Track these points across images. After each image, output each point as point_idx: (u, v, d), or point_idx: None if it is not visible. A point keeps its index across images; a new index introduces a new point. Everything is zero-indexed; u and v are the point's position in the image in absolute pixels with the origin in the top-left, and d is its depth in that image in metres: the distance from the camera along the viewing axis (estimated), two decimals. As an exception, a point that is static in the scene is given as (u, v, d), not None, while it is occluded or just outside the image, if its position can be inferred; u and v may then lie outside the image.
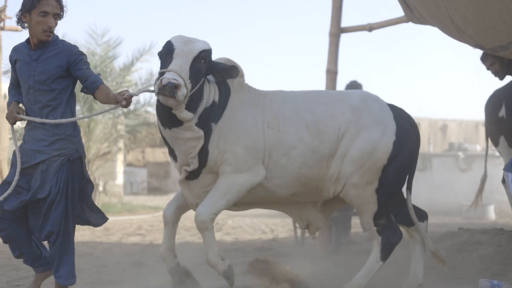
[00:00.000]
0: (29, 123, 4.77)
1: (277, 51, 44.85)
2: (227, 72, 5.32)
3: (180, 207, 5.78)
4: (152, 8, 44.13)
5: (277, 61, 43.89)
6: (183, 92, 4.88)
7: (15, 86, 4.96)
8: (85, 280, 6.19)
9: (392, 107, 5.73)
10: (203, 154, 5.29)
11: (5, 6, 9.05)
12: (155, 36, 51.65)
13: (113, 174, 22.38)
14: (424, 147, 22.12)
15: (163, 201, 20.32)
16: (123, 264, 7.45)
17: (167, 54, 5.10)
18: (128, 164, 28.92)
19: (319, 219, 5.85)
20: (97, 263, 7.59)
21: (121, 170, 23.18)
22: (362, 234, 9.80)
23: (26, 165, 4.72)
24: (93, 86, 4.72)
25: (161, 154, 28.44)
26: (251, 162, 5.34)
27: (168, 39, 5.18)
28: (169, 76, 4.86)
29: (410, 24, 7.69)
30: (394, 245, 5.60)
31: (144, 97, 17.83)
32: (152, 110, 17.85)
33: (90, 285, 6.01)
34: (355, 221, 10.14)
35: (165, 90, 4.80)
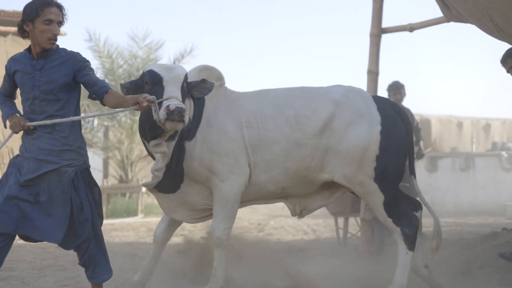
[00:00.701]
0: (33, 132, 4.65)
1: (318, 50, 44.79)
2: (201, 87, 5.45)
3: (170, 225, 6.05)
4: (194, 10, 44.37)
5: (318, 60, 43.84)
6: (188, 116, 5.00)
7: (8, 97, 4.89)
8: (130, 280, 6.28)
9: (375, 98, 5.83)
10: (178, 170, 5.52)
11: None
12: (197, 38, 51.91)
13: (155, 176, 22.56)
14: (467, 146, 21.88)
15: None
16: (167, 264, 7.52)
17: (154, 83, 5.20)
18: (171, 166, 29.08)
19: (315, 206, 5.95)
20: (141, 263, 7.67)
21: (164, 172, 23.34)
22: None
23: (31, 175, 4.57)
24: (102, 90, 4.62)
25: (202, 156, 28.50)
26: (233, 165, 5.49)
27: (148, 69, 5.28)
28: (175, 102, 4.95)
29: (451, 23, 7.64)
30: (415, 232, 5.66)
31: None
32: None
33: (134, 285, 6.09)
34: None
35: (174, 115, 4.89)
